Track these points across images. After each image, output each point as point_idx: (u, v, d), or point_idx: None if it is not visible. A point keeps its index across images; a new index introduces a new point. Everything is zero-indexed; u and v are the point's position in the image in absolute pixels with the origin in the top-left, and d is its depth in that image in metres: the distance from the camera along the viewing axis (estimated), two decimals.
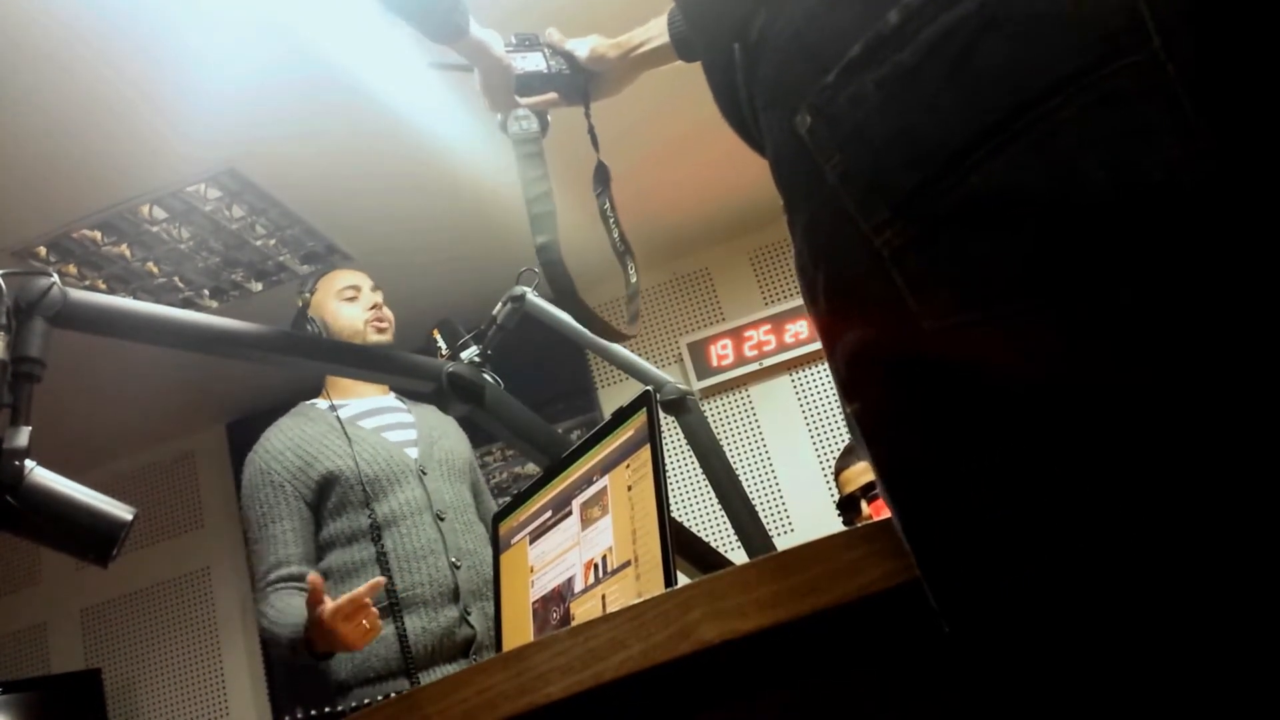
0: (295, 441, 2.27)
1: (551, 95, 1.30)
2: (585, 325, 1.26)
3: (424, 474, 2.27)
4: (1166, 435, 0.51)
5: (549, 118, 1.28)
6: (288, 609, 2.07)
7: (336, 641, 1.91)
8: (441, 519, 2.23)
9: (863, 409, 0.64)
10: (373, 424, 2.33)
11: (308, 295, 2.45)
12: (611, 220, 1.33)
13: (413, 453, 2.30)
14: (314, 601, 1.91)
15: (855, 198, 0.61)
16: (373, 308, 2.40)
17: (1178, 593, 0.51)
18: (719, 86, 0.83)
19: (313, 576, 1.94)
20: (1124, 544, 0.53)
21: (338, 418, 2.29)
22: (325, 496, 2.20)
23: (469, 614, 2.16)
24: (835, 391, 0.70)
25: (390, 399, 2.44)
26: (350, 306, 2.40)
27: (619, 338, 1.32)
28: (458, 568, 2.19)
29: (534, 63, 1.27)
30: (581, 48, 1.31)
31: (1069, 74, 0.53)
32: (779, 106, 0.68)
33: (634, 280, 1.35)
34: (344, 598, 1.89)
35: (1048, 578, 0.55)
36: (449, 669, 2.10)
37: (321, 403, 2.37)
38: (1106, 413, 0.53)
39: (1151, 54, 0.51)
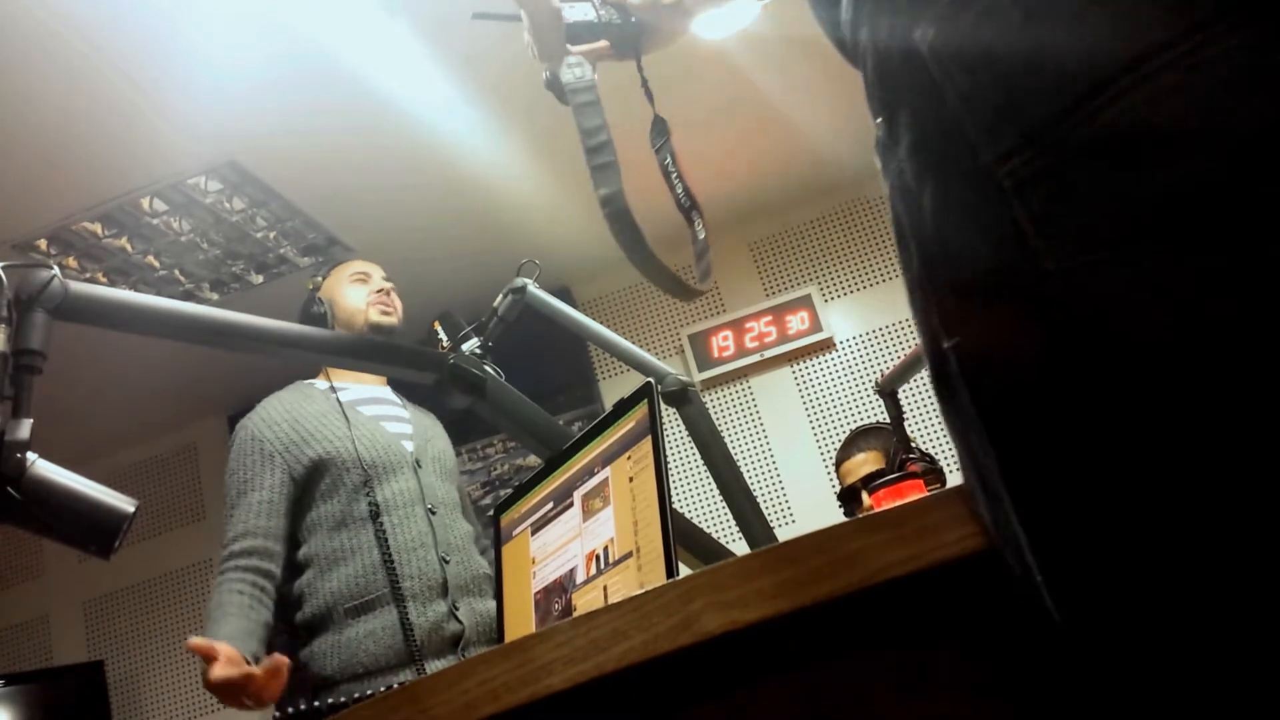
0: (293, 415, 2.23)
1: (603, 44, 1.23)
2: (658, 281, 1.18)
3: (419, 466, 2.25)
4: None
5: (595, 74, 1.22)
6: (224, 612, 2.06)
7: (232, 695, 1.93)
8: (434, 513, 2.20)
9: (964, 344, 0.60)
10: (371, 411, 2.31)
11: (319, 280, 2.45)
12: (674, 175, 1.24)
13: (408, 445, 2.28)
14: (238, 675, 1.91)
15: (979, 122, 0.57)
16: (379, 291, 2.40)
17: None
18: None
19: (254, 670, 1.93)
20: (1246, 522, 0.49)
21: (338, 400, 2.26)
22: (318, 477, 2.16)
23: (457, 609, 2.12)
24: (917, 323, 0.65)
25: (387, 391, 2.42)
26: (356, 289, 2.39)
27: (693, 294, 1.23)
28: (447, 562, 2.15)
29: (583, 11, 1.22)
30: None
31: (1234, 2, 0.49)
32: (896, 15, 0.64)
33: (701, 236, 1.26)
34: (266, 668, 1.91)
35: (1161, 547, 0.51)
36: (438, 664, 2.06)
37: (320, 383, 2.34)
38: (1236, 374, 0.49)
39: None
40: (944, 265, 0.61)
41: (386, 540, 2.11)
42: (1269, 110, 0.49)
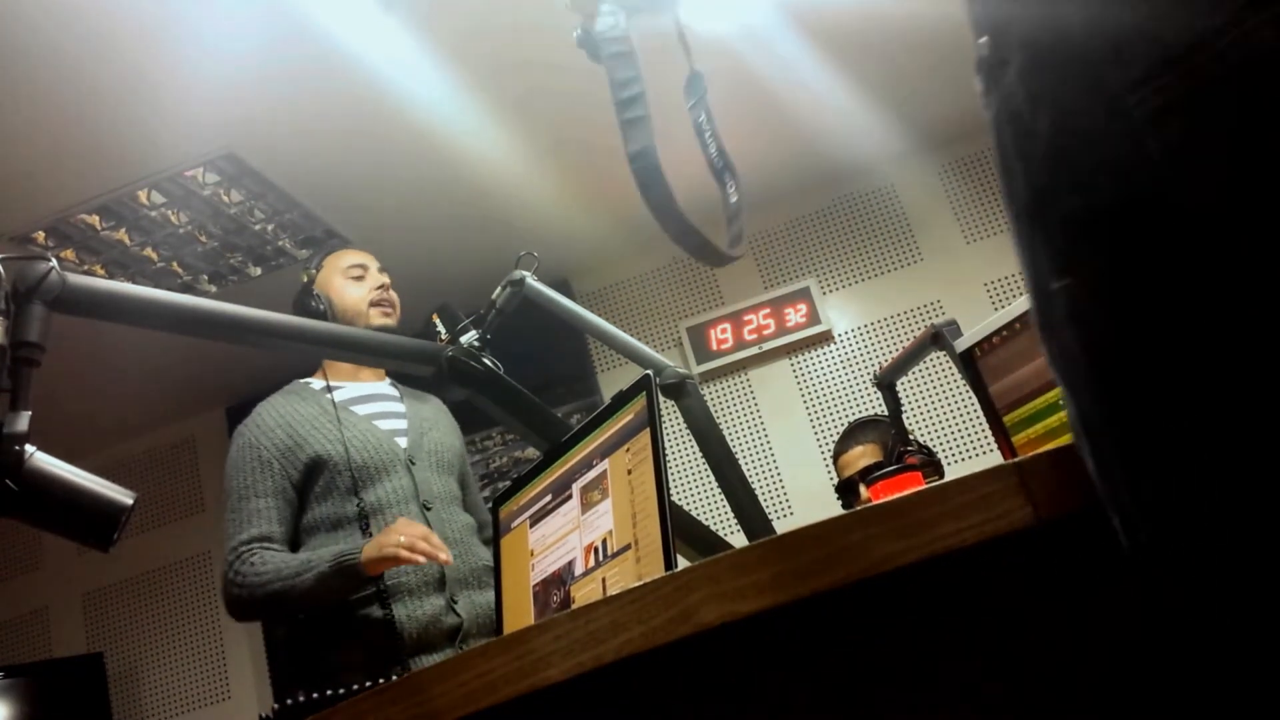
0: (287, 419, 2.23)
1: None
2: (687, 244, 1.12)
3: (412, 464, 2.24)
4: None
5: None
6: (275, 560, 2.05)
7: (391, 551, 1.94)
8: (428, 508, 2.20)
9: (1078, 283, 0.55)
10: (365, 410, 2.31)
11: (313, 271, 2.41)
12: (708, 134, 1.19)
13: (402, 442, 2.27)
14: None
15: (1109, 46, 0.53)
16: (379, 288, 2.37)
17: None
18: None
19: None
20: None
21: (332, 401, 2.26)
22: (312, 479, 2.17)
23: (455, 602, 2.13)
24: (1021, 258, 0.60)
25: (385, 386, 2.41)
26: (356, 286, 2.36)
27: (723, 259, 1.17)
28: None
29: None
30: None
31: None
32: None
33: (734, 200, 1.21)
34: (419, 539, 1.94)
35: (1273, 498, 0.48)
36: (435, 657, 2.06)
37: (316, 382, 2.33)
38: None
39: None
40: (1058, 197, 0.56)
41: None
42: None
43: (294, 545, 2.17)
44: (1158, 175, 0.51)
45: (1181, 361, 0.51)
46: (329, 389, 2.29)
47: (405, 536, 1.94)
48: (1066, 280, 0.56)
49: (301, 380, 2.37)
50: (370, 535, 2.10)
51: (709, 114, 1.22)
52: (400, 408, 2.36)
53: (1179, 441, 0.52)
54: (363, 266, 2.40)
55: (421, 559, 1.94)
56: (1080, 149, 0.55)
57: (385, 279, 2.41)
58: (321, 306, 2.32)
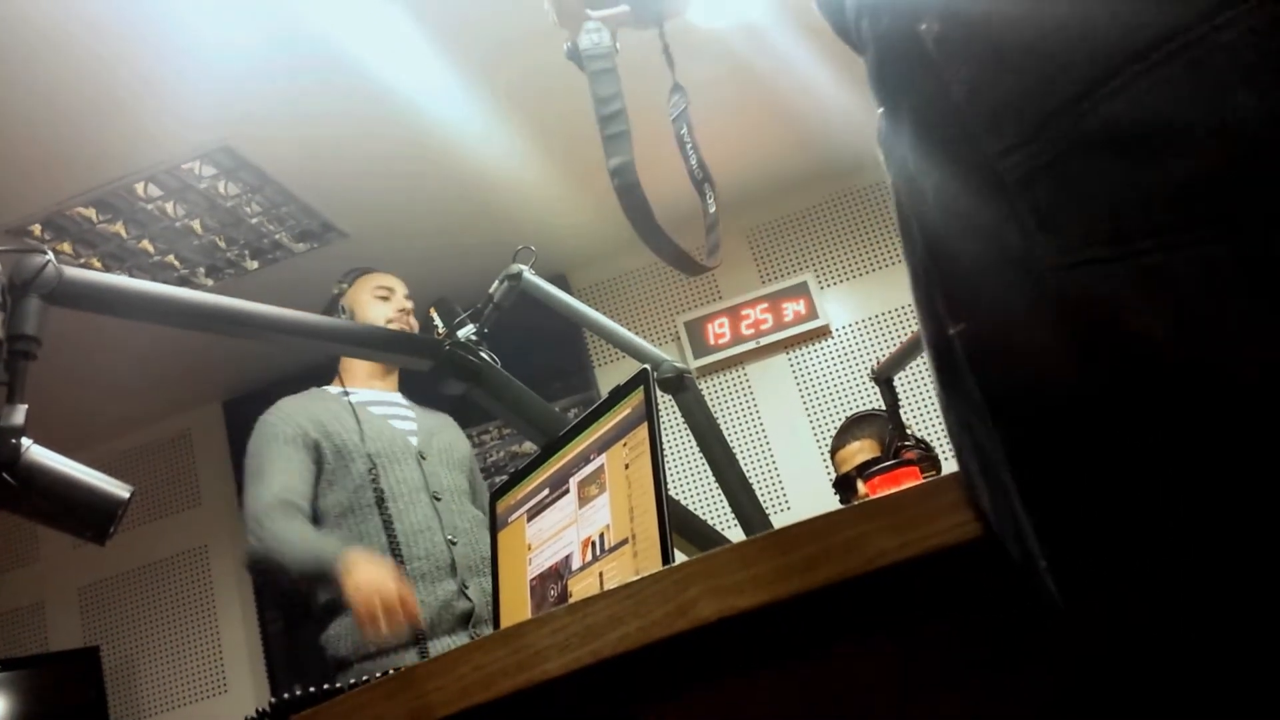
0: (308, 410, 2.35)
1: (623, 9, 1.21)
2: (664, 255, 1.17)
3: (423, 457, 2.35)
4: None
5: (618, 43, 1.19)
6: (296, 535, 2.09)
7: (369, 613, 1.91)
8: (438, 499, 2.30)
9: (969, 331, 0.60)
10: (380, 411, 2.43)
11: (345, 286, 2.53)
12: (689, 145, 1.24)
13: (413, 439, 2.39)
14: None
15: (982, 116, 0.57)
16: (401, 310, 2.49)
17: None
18: None
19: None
20: (1249, 515, 0.49)
21: (349, 402, 2.37)
22: (328, 466, 2.27)
23: (466, 587, 2.21)
24: (919, 308, 0.65)
25: (397, 396, 2.53)
26: (380, 305, 2.48)
27: (698, 269, 1.23)
28: (454, 544, 2.25)
29: None
30: None
31: None
32: (898, 5, 0.64)
33: (712, 210, 1.25)
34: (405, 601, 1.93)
35: (1163, 536, 0.52)
36: (449, 641, 2.14)
37: (333, 389, 2.45)
38: (1240, 367, 0.49)
39: None
40: (948, 255, 0.61)
41: (393, 525, 2.21)
42: (1273, 98, 0.48)
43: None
44: (1029, 237, 0.55)
45: (1067, 401, 0.55)
46: (346, 393, 2.41)
47: (382, 599, 1.93)
48: (961, 325, 0.60)
49: (318, 388, 2.49)
50: (388, 514, 2.19)
51: (690, 126, 1.26)
52: (411, 414, 2.49)
53: (1073, 475, 0.56)
54: (390, 289, 2.52)
55: (384, 628, 1.93)
56: (964, 212, 0.59)
57: (409, 304, 2.53)
58: (344, 318, 2.45)
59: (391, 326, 2.43)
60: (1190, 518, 0.51)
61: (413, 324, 2.51)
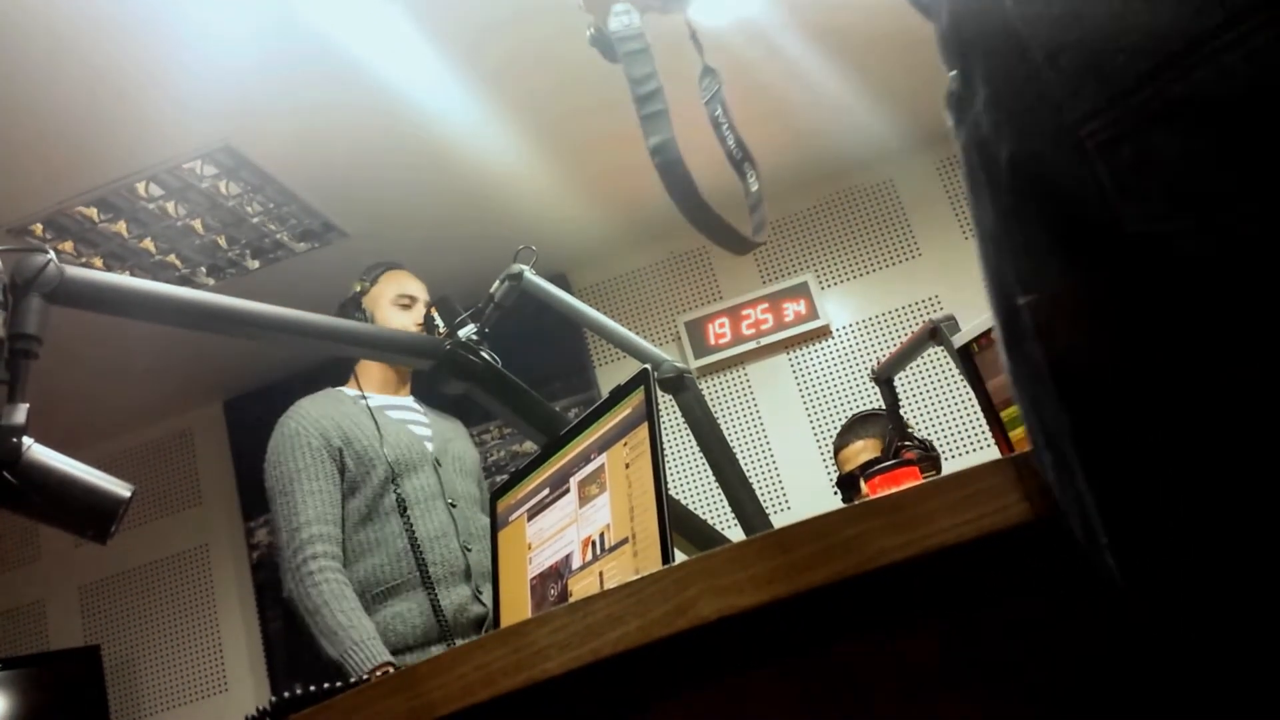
0: (329, 413, 2.35)
1: None
2: (711, 233, 1.14)
3: (439, 464, 2.38)
4: None
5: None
6: (333, 610, 2.09)
7: None
8: (454, 505, 2.33)
9: (1040, 300, 0.59)
10: (397, 416, 2.44)
11: (367, 285, 2.51)
12: (725, 126, 1.22)
13: (429, 445, 2.41)
14: None
15: (1064, 81, 0.56)
16: (420, 324, 2.47)
17: None
18: None
19: None
20: None
21: (367, 405, 2.39)
22: (351, 472, 2.28)
23: (480, 592, 2.26)
24: (987, 277, 0.64)
25: (410, 400, 2.54)
26: (402, 315, 2.47)
27: (748, 245, 1.21)
28: (469, 550, 2.29)
29: None
30: None
31: None
32: None
33: (755, 188, 1.24)
34: None
35: (1234, 516, 0.51)
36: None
37: (349, 390, 2.46)
38: None
39: None
40: (1022, 220, 0.60)
41: (414, 529, 2.24)
42: None
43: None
44: (1106, 200, 0.54)
45: (1141, 375, 0.54)
46: (363, 396, 2.42)
47: None
48: (1031, 296, 0.59)
49: (334, 388, 2.49)
50: (409, 519, 2.24)
51: (725, 106, 1.24)
52: (425, 419, 2.50)
53: (1140, 451, 0.55)
54: (413, 298, 2.51)
55: None
56: (1039, 175, 0.58)
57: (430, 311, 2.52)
58: (364, 321, 2.45)
59: None
60: (1263, 504, 0.50)
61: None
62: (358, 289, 2.51)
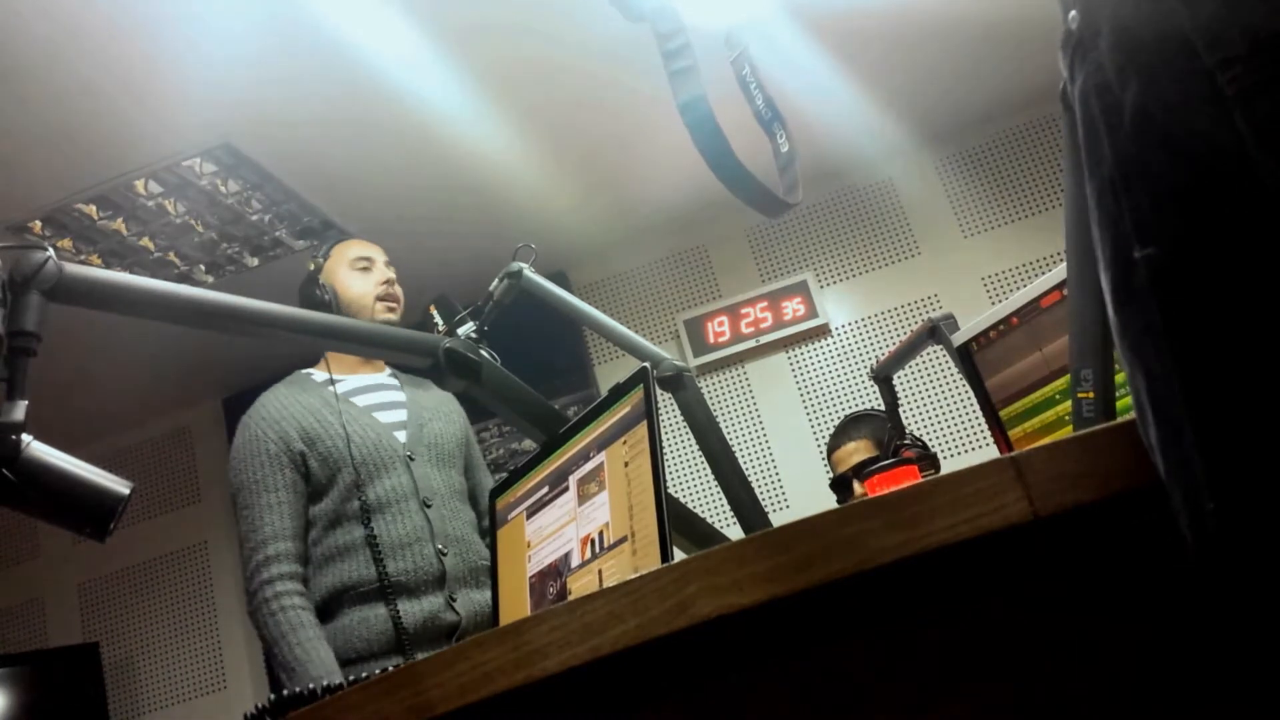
0: (291, 411, 2.23)
1: None
2: (744, 193, 1.10)
3: (411, 460, 2.24)
4: None
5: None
6: (292, 636, 2.03)
7: None
8: (428, 505, 2.21)
9: (1163, 252, 0.56)
10: (365, 401, 2.31)
11: (321, 260, 2.41)
12: (753, 85, 1.19)
13: (401, 436, 2.28)
14: None
15: (1202, 26, 0.54)
16: (384, 283, 2.38)
17: None
18: None
19: None
20: None
21: (335, 393, 2.26)
22: (316, 476, 2.18)
23: (454, 600, 2.14)
24: (1102, 228, 0.61)
25: (384, 376, 2.41)
26: (362, 279, 2.37)
27: (782, 207, 1.17)
28: (444, 554, 2.17)
29: None
30: None
31: None
32: None
33: (785, 149, 1.20)
34: None
35: None
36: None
37: (318, 374, 2.34)
38: None
39: None
40: (1145, 167, 0.57)
41: (376, 540, 2.12)
42: None
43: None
44: (1244, 152, 0.52)
45: (1262, 337, 0.52)
46: (332, 381, 2.29)
47: None
48: (1150, 249, 0.57)
49: (304, 371, 2.37)
50: (372, 530, 2.12)
51: (753, 66, 1.20)
52: (401, 397, 2.36)
53: (1256, 416, 0.52)
54: (369, 259, 2.40)
55: None
56: (1169, 122, 0.56)
57: (391, 274, 2.42)
58: (327, 297, 2.33)
59: (379, 305, 2.33)
60: None
61: (398, 293, 2.40)
62: (312, 267, 2.39)
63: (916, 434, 3.43)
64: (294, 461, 2.17)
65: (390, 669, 0.84)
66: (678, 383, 1.73)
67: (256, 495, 2.14)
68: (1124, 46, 0.58)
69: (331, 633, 2.08)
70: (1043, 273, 1.40)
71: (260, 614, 2.07)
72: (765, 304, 4.16)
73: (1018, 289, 1.78)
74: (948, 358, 3.81)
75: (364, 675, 1.84)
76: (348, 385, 2.32)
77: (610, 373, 4.23)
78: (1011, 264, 4.03)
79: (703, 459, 1.74)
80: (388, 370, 2.44)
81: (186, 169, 3.12)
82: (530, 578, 1.14)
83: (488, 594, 2.17)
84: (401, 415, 2.32)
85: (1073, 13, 0.64)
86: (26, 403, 1.09)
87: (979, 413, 1.52)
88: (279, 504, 2.13)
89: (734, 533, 1.50)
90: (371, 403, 2.31)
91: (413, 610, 2.09)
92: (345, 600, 2.10)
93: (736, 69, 1.20)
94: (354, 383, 2.34)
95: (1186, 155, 0.55)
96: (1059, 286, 1.33)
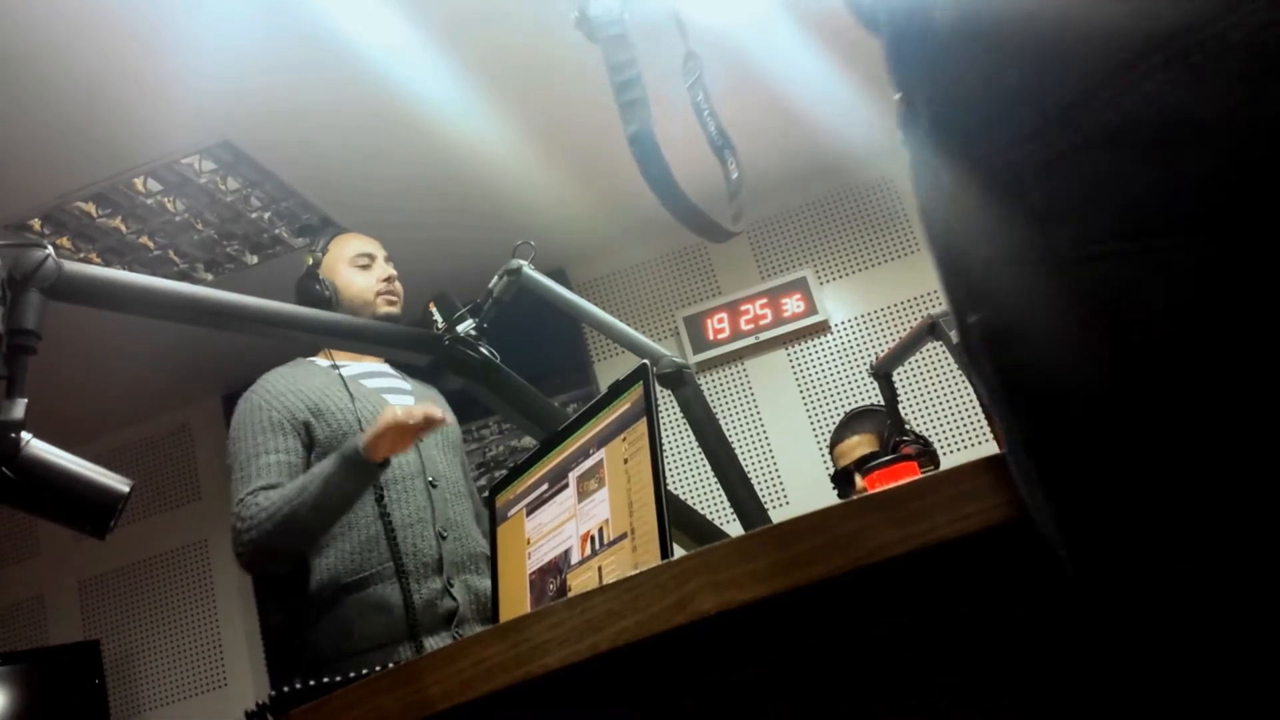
0: (297, 386, 2.21)
1: None
2: (688, 221, 1.13)
3: (419, 439, 2.19)
4: None
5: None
6: (275, 493, 2.01)
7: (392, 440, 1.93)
8: (434, 486, 2.19)
9: (985, 320, 0.60)
10: (373, 385, 2.30)
11: (319, 254, 2.39)
12: (706, 112, 1.21)
13: None
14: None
15: (997, 105, 0.57)
16: (385, 279, 2.37)
17: None
18: None
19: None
20: (1252, 501, 0.49)
21: (340, 375, 2.25)
22: (322, 447, 2.13)
23: (452, 586, 2.11)
24: (944, 295, 0.65)
25: (387, 367, 2.41)
26: (363, 275, 2.35)
27: (724, 235, 1.21)
28: (444, 539, 2.14)
29: None
30: None
31: None
32: None
33: (735, 176, 1.23)
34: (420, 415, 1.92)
35: (1176, 521, 0.52)
36: (432, 641, 2.05)
37: (321, 361, 2.33)
38: (1243, 361, 0.49)
39: None
40: (964, 242, 0.61)
41: (389, 515, 2.09)
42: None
43: None
44: (1045, 226, 0.55)
45: (1078, 390, 0.55)
46: (335, 366, 2.28)
47: (401, 411, 1.91)
48: (980, 314, 0.60)
49: (305, 358, 2.36)
50: (384, 504, 2.10)
51: (707, 93, 1.23)
52: (406, 385, 2.36)
53: (1086, 462, 0.56)
54: (370, 255, 2.39)
55: (421, 419, 1.92)
56: (980, 200, 0.59)
57: (391, 270, 2.40)
58: (327, 293, 2.32)
59: (380, 300, 2.32)
60: (1202, 510, 0.51)
61: (398, 289, 2.38)
62: (310, 261, 2.38)
63: (917, 430, 3.43)
64: (296, 430, 2.14)
65: (395, 662, 0.84)
66: (677, 379, 1.73)
67: (252, 459, 2.10)
68: (939, 127, 0.62)
69: (334, 623, 2.05)
70: None
71: (244, 532, 2.01)
72: (765, 301, 4.16)
73: None
74: (947, 354, 3.81)
75: (364, 671, 1.84)
76: (353, 370, 2.32)
77: (610, 370, 4.24)
78: None
79: (702, 456, 1.74)
80: (386, 363, 2.43)
81: (185, 167, 3.12)
82: (530, 574, 1.14)
83: (485, 581, 2.16)
84: (409, 399, 2.31)
85: (897, 95, 0.67)
86: (26, 400, 1.09)
87: (978, 409, 1.52)
88: (277, 463, 2.09)
89: (734, 529, 1.50)
90: (379, 385, 2.31)
91: (414, 595, 2.06)
92: (345, 588, 2.06)
93: (691, 96, 1.23)
94: (359, 368, 2.34)
95: (993, 229, 0.58)
96: None
